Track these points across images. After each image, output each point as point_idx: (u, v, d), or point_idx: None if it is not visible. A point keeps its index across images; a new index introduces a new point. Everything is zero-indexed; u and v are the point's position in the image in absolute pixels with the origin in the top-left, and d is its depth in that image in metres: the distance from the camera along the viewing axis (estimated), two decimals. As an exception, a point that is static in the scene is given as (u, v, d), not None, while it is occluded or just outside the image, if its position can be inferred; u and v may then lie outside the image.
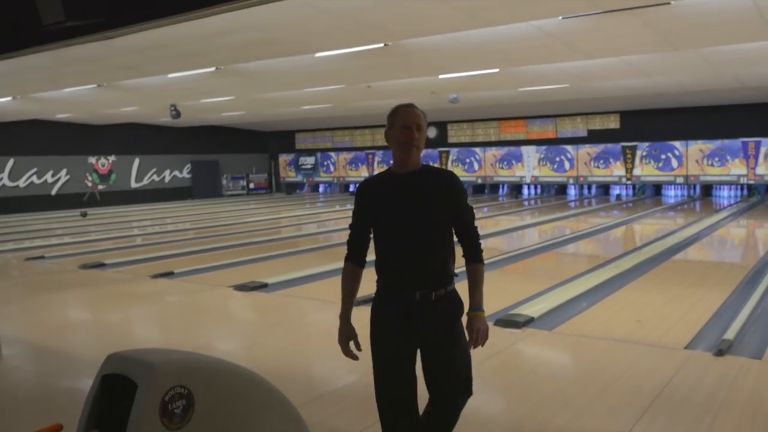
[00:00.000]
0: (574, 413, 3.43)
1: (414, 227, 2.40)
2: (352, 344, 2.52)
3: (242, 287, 7.02)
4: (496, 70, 11.34)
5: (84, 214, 17.56)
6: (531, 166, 20.12)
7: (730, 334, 4.63)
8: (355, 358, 2.50)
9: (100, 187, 21.59)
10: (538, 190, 20.59)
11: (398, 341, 2.42)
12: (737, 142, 17.00)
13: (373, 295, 2.55)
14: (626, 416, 3.33)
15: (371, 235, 2.54)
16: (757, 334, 4.75)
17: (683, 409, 3.44)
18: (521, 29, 8.24)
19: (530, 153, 20.09)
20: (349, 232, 2.58)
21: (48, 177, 20.28)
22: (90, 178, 21.34)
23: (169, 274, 8.03)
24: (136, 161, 22.48)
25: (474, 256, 2.52)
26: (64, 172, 20.63)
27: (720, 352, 4.28)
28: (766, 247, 9.54)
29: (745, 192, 17.47)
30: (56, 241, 12.34)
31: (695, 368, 4.08)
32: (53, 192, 20.41)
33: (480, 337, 2.44)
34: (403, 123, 2.43)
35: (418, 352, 2.47)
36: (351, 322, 2.53)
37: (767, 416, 3.34)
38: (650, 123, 18.10)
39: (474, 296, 2.50)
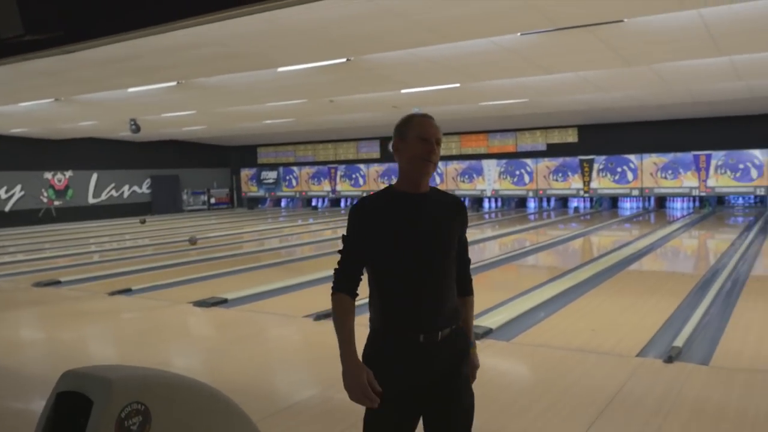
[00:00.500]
0: (530, 420, 3.50)
1: (429, 258, 2.09)
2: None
3: (202, 303, 6.96)
4: (457, 84, 11.52)
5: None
6: (492, 179, 20.40)
7: (679, 342, 4.79)
8: (376, 401, 2.01)
9: (56, 203, 21.13)
10: (499, 203, 20.89)
11: (403, 392, 2.08)
12: (689, 156, 17.56)
13: (369, 334, 2.18)
14: (579, 422, 3.42)
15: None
16: (705, 341, 4.93)
17: (634, 414, 3.55)
18: (481, 45, 8.41)
19: (491, 166, 20.38)
20: (339, 259, 2.15)
21: (2, 193, 19.77)
22: (46, 194, 20.88)
23: (126, 291, 7.91)
24: (94, 176, 22.07)
25: (470, 288, 2.33)
26: (18, 188, 20.13)
27: (670, 359, 4.43)
28: (716, 256, 9.85)
29: (697, 203, 18.04)
30: (9, 258, 12.03)
31: (646, 375, 4.21)
32: (7, 208, 19.89)
33: (475, 374, 2.31)
34: (419, 134, 2.13)
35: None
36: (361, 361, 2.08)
37: (712, 420, 3.47)
38: (607, 137, 18.56)
39: (470, 331, 2.31)
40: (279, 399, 4.08)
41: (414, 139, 2.13)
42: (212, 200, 25.21)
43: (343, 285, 2.12)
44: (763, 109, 15.74)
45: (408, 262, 2.07)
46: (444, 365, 2.12)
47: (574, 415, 3.56)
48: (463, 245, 2.26)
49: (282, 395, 4.20)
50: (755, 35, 8.11)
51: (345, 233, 2.15)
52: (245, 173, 25.73)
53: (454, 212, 2.20)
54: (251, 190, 25.65)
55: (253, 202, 25.80)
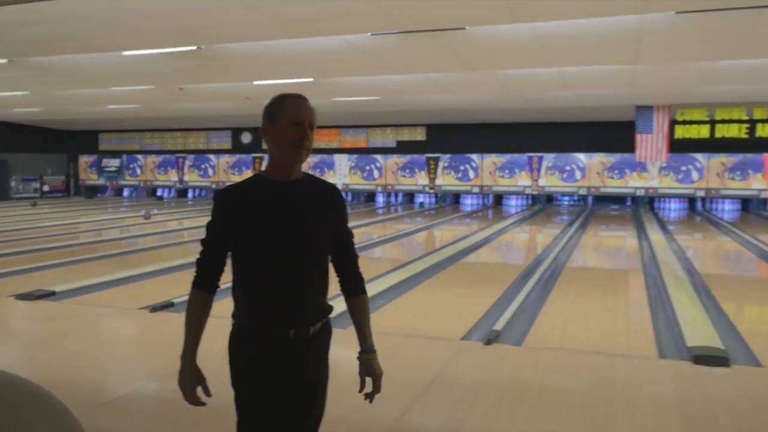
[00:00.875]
0: (354, 404, 3.65)
1: (300, 249, 1.98)
2: (199, 390, 2.00)
3: (26, 296, 6.49)
4: (310, 79, 11.62)
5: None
6: (343, 173, 20.77)
7: (498, 325, 5.27)
8: (202, 404, 2.00)
9: None
10: (349, 198, 21.29)
11: (275, 390, 1.98)
12: (524, 157, 18.97)
13: (232, 330, 2.05)
14: (402, 402, 3.68)
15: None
16: (521, 325, 5.43)
17: (451, 393, 3.87)
18: (334, 42, 8.58)
19: (342, 161, 20.75)
20: (202, 249, 2.03)
21: None
22: None
23: (-65, 285, 7.20)
24: None
25: (360, 286, 2.18)
26: None
27: (489, 342, 4.86)
28: (542, 248, 10.78)
29: (530, 201, 19.51)
30: None
31: (467, 356, 4.60)
32: None
33: (380, 383, 2.15)
34: (292, 118, 1.96)
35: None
36: (197, 364, 2.00)
37: (518, 395, 3.88)
38: (452, 136, 19.54)
39: (367, 335, 2.15)
40: (105, 392, 3.97)
41: (285, 124, 1.96)
42: (45, 188, 23.33)
43: (203, 280, 2.02)
44: (587, 117, 17.37)
45: (276, 254, 1.96)
46: (314, 363, 2.05)
47: (396, 396, 3.80)
48: (345, 237, 2.14)
49: (109, 388, 4.09)
50: (580, 50, 8.97)
51: (209, 221, 2.03)
52: (84, 160, 24.12)
53: (328, 201, 2.07)
54: (90, 178, 24.11)
55: (92, 191, 24.27)
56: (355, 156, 20.61)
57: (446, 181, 19.73)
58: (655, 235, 12.09)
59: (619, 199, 18.95)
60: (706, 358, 4.48)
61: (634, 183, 18.02)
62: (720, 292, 6.90)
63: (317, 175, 2.37)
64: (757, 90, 12.25)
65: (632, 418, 3.56)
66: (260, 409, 1.97)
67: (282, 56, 9.53)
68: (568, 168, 18.61)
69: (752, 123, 14.37)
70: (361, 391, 2.12)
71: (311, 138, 1.99)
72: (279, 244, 1.96)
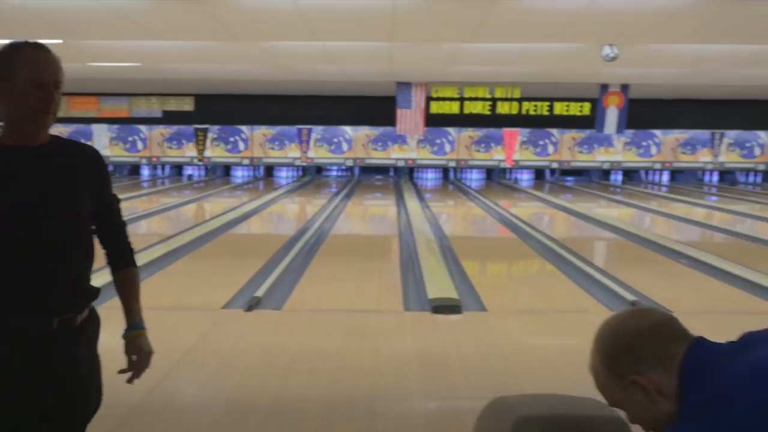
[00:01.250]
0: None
1: (54, 225, 1.67)
2: None
3: None
4: (59, 41, 10.58)
5: None
6: (102, 145, 19.31)
7: (260, 292, 5.42)
8: None
9: None
10: (111, 170, 19.93)
11: (36, 398, 1.68)
12: (294, 129, 19.26)
13: None
14: (154, 375, 3.50)
15: None
16: (282, 290, 5.65)
17: (208, 360, 3.94)
18: (83, 1, 7.94)
19: (101, 132, 19.31)
20: None
21: None
22: None
23: None
24: None
25: (130, 258, 1.94)
26: None
27: (249, 308, 5.00)
28: (309, 217, 11.14)
29: (300, 172, 19.94)
30: None
31: (226, 324, 4.70)
32: None
33: (148, 360, 1.92)
34: (31, 78, 1.60)
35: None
36: None
37: (275, 356, 4.06)
38: (221, 107, 19.12)
39: (136, 311, 1.92)
40: None
41: (23, 84, 1.60)
42: None
43: None
44: (353, 91, 18.06)
45: (23, 233, 1.63)
46: (84, 357, 1.79)
47: (147, 371, 3.73)
48: (110, 204, 1.86)
49: None
50: (340, 26, 9.32)
51: None
52: None
53: (85, 165, 1.76)
54: None
55: None
56: (116, 126, 19.27)
57: (216, 152, 19.33)
58: (412, 203, 13.11)
59: (382, 170, 20.15)
60: (442, 307, 5.08)
61: (395, 155, 19.27)
62: (462, 252, 7.79)
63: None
64: (497, 71, 13.79)
65: (377, 366, 3.94)
66: (20, 423, 1.66)
67: (20, 11, 8.56)
68: (335, 140, 19.28)
69: (494, 101, 16.15)
70: (127, 370, 1.90)
71: (57, 99, 1.65)
72: (26, 221, 1.63)
